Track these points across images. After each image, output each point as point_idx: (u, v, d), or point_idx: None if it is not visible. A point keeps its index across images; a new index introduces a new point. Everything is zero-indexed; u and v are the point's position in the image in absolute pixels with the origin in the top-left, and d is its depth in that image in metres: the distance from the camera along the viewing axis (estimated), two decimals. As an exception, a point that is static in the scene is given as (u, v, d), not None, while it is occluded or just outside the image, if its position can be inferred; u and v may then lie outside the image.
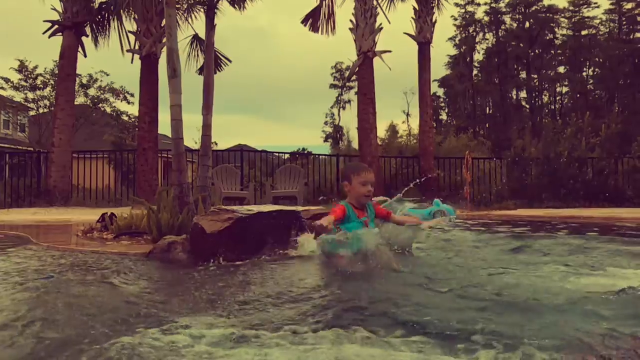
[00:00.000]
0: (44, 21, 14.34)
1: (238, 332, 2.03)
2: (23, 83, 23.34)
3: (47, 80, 23.26)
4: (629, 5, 40.41)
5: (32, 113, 25.80)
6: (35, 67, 23.20)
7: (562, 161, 13.90)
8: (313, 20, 16.37)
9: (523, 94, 45.67)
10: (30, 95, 23.80)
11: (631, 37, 40.99)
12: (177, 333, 2.03)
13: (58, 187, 13.64)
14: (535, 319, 2.22)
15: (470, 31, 45.41)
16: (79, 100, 23.13)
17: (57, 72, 16.89)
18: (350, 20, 15.51)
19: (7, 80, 23.07)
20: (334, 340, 1.94)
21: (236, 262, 3.80)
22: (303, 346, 1.89)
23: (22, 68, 23.00)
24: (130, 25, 14.72)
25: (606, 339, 1.94)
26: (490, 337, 1.93)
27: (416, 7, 16.20)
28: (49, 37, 14.32)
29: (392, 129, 32.01)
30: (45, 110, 23.68)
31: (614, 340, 1.93)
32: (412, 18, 16.15)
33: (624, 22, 41.69)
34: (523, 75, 45.03)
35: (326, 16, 16.30)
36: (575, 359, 1.77)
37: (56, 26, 14.30)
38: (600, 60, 41.90)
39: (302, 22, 16.48)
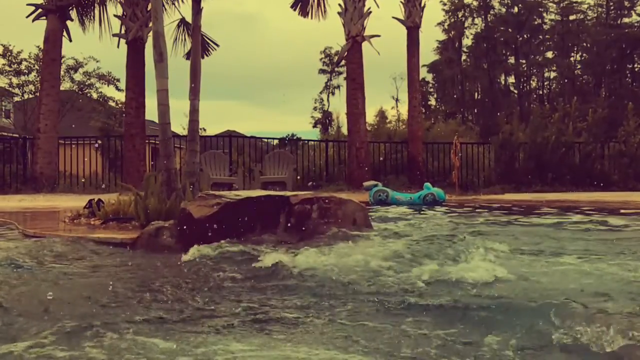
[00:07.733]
0: (27, 4, 14.05)
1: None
2: (7, 68, 22.94)
3: (31, 65, 22.86)
4: (617, -9, 40.48)
5: (17, 99, 25.38)
6: (20, 51, 22.80)
7: (550, 146, 13.98)
8: (303, 4, 16.21)
9: (511, 79, 45.68)
10: (15, 80, 23.41)
11: (619, 22, 41.09)
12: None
13: (44, 173, 13.48)
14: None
15: (459, 16, 45.21)
16: (65, 85, 22.79)
17: (42, 57, 16.59)
18: (339, 4, 15.37)
19: (-10, 65, 22.69)
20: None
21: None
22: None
23: (6, 53, 22.56)
24: (116, 9, 14.51)
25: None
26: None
27: (405, -9, 16.06)
28: (33, 20, 14.03)
29: (381, 115, 31.87)
30: (31, 95, 23.30)
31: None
32: (401, 2, 16.02)
33: (612, 8, 41.76)
34: (511, 60, 45.03)
35: (316, 0, 16.15)
36: None
37: (40, 10, 14.01)
38: (588, 45, 41.98)
39: (291, 6, 16.31)
